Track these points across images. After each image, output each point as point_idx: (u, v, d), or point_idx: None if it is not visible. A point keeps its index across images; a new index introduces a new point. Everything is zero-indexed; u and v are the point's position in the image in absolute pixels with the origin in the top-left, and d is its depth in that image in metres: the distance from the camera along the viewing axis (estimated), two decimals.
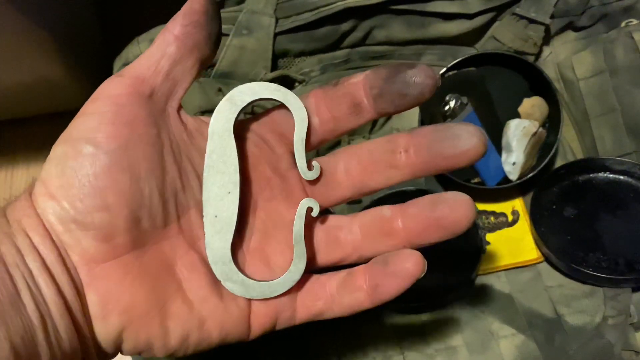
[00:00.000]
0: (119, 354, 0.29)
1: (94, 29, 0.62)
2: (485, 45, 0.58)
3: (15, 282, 0.23)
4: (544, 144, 0.54)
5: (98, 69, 0.58)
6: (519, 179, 0.52)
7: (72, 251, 0.26)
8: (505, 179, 0.53)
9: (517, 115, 0.54)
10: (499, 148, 0.54)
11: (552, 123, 0.54)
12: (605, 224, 0.51)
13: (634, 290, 0.49)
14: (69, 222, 0.25)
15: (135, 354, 0.28)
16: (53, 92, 0.59)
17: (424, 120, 0.54)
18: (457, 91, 0.53)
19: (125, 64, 0.52)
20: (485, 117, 0.54)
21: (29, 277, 0.24)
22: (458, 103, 0.52)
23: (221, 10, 0.52)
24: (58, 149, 0.26)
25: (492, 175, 0.53)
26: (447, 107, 0.52)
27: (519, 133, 0.51)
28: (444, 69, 0.54)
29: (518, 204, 0.55)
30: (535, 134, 0.52)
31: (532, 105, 0.53)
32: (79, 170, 0.25)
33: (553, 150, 0.51)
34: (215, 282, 0.29)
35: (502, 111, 0.55)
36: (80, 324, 0.25)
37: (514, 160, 0.51)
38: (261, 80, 0.53)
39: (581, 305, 0.49)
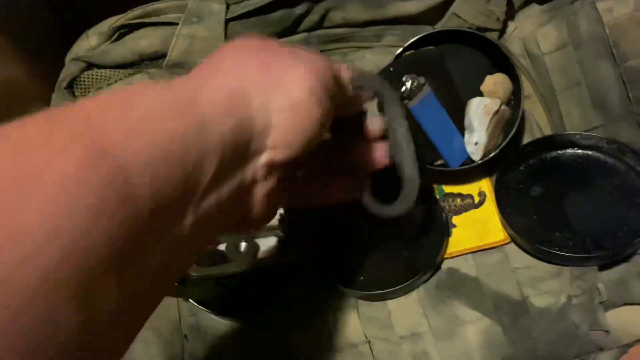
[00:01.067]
0: None
1: (50, 26, 0.61)
2: (447, 23, 0.57)
3: None
4: (510, 122, 0.53)
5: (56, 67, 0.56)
6: (482, 159, 0.50)
7: None
8: (470, 160, 0.52)
9: (480, 94, 0.53)
10: (461, 129, 0.52)
11: (517, 100, 0.53)
12: (572, 201, 0.50)
13: (601, 268, 0.48)
14: None
15: None
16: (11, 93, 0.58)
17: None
18: (416, 71, 0.52)
19: (75, 59, 0.51)
20: (446, 97, 0.52)
21: None
22: (415, 84, 0.50)
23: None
24: None
25: (455, 157, 0.52)
26: (403, 88, 0.50)
27: (480, 112, 0.50)
28: (401, 49, 0.52)
29: (485, 185, 0.54)
30: (497, 112, 0.50)
31: (495, 83, 0.51)
32: None
33: (514, 129, 0.50)
34: None
35: (464, 90, 0.53)
36: None
37: (476, 140, 0.50)
38: None
39: (547, 286, 0.47)
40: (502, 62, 0.53)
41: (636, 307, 0.47)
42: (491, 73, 0.53)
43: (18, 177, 0.17)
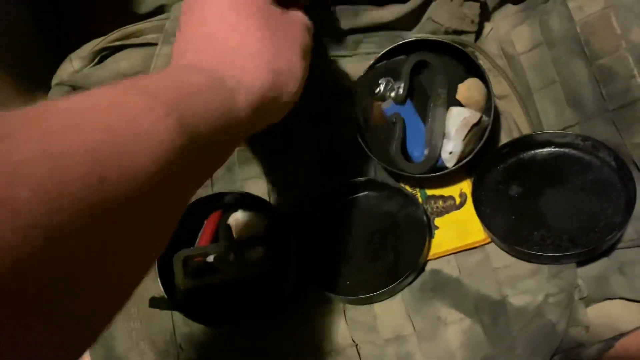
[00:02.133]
0: None
1: (38, 50, 0.63)
2: (423, 27, 0.57)
3: None
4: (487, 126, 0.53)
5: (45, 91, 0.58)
6: (455, 164, 0.51)
7: None
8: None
9: (457, 101, 0.53)
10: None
11: (488, 104, 0.53)
12: (549, 200, 0.51)
13: (581, 264, 0.49)
14: None
15: None
16: None
17: (358, 102, 0.54)
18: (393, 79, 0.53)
19: (59, 84, 0.52)
20: (422, 106, 0.53)
21: None
22: (389, 86, 0.52)
23: (148, 20, 0.52)
24: None
25: (423, 163, 0.52)
26: (377, 90, 0.52)
27: (459, 123, 0.50)
28: (373, 60, 0.53)
29: (466, 186, 0.55)
30: (476, 124, 0.51)
31: (468, 88, 0.52)
32: None
33: (485, 135, 0.50)
34: None
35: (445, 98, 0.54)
36: None
37: (451, 149, 0.50)
38: None
39: (525, 285, 0.48)
40: (474, 66, 0.53)
41: (617, 301, 0.48)
42: (464, 79, 0.53)
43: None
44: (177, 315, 0.53)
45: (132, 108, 0.24)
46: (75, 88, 0.53)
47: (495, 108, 0.52)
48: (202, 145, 0.27)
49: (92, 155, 0.20)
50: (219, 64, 0.33)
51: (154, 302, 0.51)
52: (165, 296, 0.50)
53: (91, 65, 0.53)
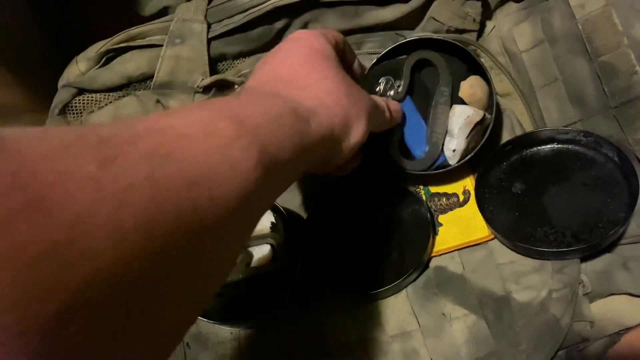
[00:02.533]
0: None
1: (45, 52, 0.64)
2: (425, 26, 0.58)
3: None
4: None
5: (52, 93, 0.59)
6: (458, 162, 0.52)
7: None
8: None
9: (459, 99, 0.53)
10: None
11: (490, 103, 0.53)
12: (552, 196, 0.51)
13: (585, 259, 0.49)
14: None
15: None
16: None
17: None
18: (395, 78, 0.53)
19: (66, 85, 0.53)
20: (424, 104, 0.54)
21: None
22: (389, 85, 0.52)
23: (153, 22, 0.53)
24: None
25: (423, 161, 0.52)
26: (377, 88, 0.53)
27: (462, 121, 0.50)
28: (373, 61, 0.53)
29: (469, 183, 0.55)
30: (480, 121, 0.51)
31: (471, 86, 0.52)
32: None
33: (487, 133, 0.51)
34: None
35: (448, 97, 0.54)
36: None
37: (454, 147, 0.51)
38: (198, 87, 0.53)
39: (529, 281, 0.49)
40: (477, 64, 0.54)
41: (621, 296, 0.48)
42: (466, 77, 0.54)
43: None
44: None
45: (223, 136, 0.25)
46: (81, 90, 0.54)
47: (498, 105, 0.52)
48: (276, 174, 0.28)
49: (189, 183, 0.21)
50: (298, 94, 0.35)
51: None
52: None
53: (97, 66, 0.54)
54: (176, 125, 0.23)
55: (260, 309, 0.52)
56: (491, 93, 0.52)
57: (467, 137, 0.51)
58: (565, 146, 0.53)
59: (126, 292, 0.18)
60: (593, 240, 0.47)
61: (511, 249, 0.50)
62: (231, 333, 0.54)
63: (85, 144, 0.19)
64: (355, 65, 0.50)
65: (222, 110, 0.27)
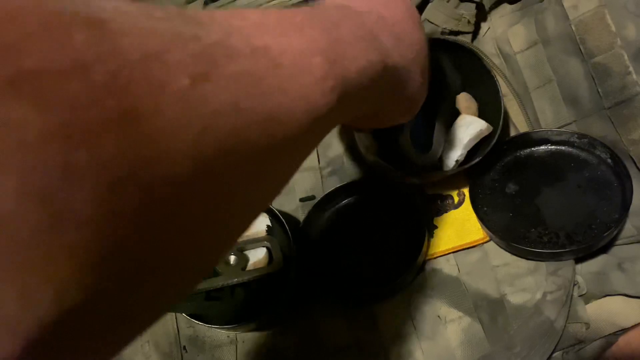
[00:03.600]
0: None
1: None
2: None
3: None
4: None
5: None
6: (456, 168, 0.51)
7: None
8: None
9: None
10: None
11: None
12: (546, 197, 0.51)
13: (580, 260, 0.49)
14: None
15: None
16: None
17: None
18: None
19: None
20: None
21: None
22: None
23: None
24: None
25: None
26: None
27: (474, 133, 0.50)
28: None
29: (464, 185, 0.55)
30: (488, 136, 0.51)
31: (466, 100, 0.52)
32: None
33: (491, 145, 0.50)
34: None
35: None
36: None
37: (457, 157, 0.50)
38: None
39: (523, 283, 0.49)
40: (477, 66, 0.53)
41: (617, 297, 0.48)
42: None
43: None
44: (181, 317, 0.54)
45: (314, 75, 0.23)
46: None
47: (505, 119, 0.52)
48: (348, 107, 0.27)
49: (269, 118, 0.20)
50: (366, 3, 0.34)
51: None
52: None
53: None
54: (271, 50, 0.21)
55: (256, 312, 0.52)
56: (499, 104, 0.51)
57: (470, 148, 0.51)
58: (559, 147, 0.53)
59: (192, 224, 0.17)
60: (587, 241, 0.47)
61: (506, 250, 0.50)
62: (228, 336, 0.54)
63: (182, 49, 0.17)
64: None
65: (317, 41, 0.24)
